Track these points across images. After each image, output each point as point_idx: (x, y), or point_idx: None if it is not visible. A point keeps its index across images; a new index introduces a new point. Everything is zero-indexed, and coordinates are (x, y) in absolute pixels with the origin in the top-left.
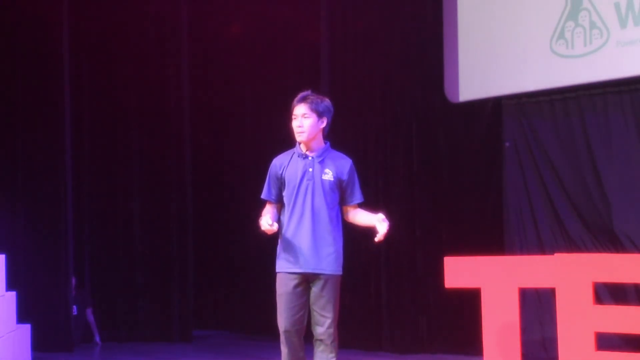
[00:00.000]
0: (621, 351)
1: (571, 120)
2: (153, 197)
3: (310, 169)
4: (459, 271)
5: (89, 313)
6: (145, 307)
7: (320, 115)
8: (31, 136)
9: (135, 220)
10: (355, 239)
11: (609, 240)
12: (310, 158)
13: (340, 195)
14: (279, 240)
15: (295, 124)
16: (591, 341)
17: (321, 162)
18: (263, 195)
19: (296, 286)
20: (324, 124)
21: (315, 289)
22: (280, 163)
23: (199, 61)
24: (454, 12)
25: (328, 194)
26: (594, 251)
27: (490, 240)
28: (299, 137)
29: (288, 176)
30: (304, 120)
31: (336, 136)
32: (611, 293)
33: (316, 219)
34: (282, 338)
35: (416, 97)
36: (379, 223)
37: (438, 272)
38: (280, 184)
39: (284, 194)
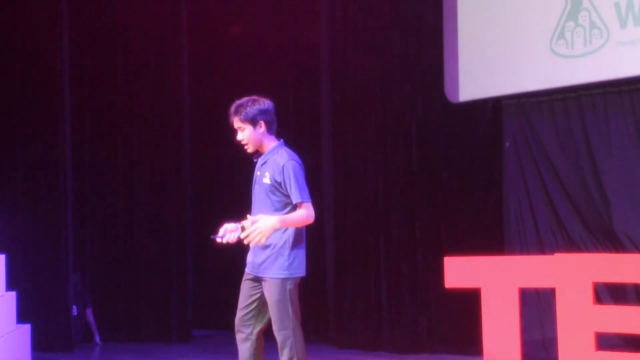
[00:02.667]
0: (621, 351)
1: (571, 120)
2: (153, 197)
3: (258, 173)
4: (459, 271)
5: (89, 313)
6: (145, 307)
7: (254, 122)
8: (31, 136)
9: (135, 220)
10: (356, 239)
11: (609, 240)
12: (258, 161)
13: (287, 197)
14: None
15: (237, 137)
16: (591, 341)
17: (264, 165)
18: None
19: (249, 284)
20: (263, 128)
21: (264, 292)
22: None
23: (199, 61)
24: (454, 12)
25: (269, 197)
26: (594, 251)
27: (490, 240)
28: (247, 150)
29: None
30: (242, 133)
31: (336, 136)
32: (611, 293)
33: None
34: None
35: (416, 97)
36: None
37: (438, 272)
38: None
39: None
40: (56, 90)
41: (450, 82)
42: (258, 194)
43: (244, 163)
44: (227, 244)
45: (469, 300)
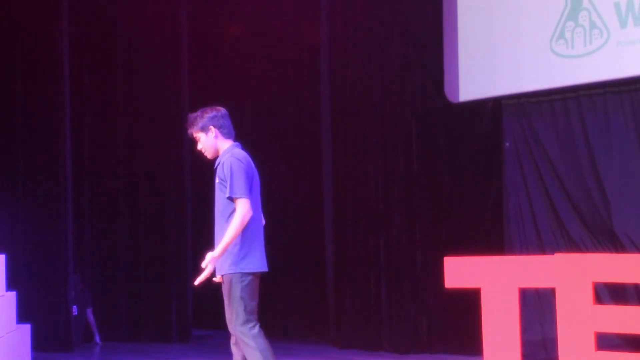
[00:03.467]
0: (621, 351)
1: (571, 120)
2: (153, 197)
3: (215, 177)
4: (459, 271)
5: (89, 313)
6: (145, 307)
7: (205, 129)
8: (31, 136)
9: (134, 220)
10: (356, 239)
11: (609, 240)
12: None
13: None
14: None
15: (197, 148)
16: (591, 341)
17: (216, 167)
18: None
19: (223, 286)
20: (214, 132)
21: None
22: None
23: (199, 61)
24: (454, 12)
25: (220, 197)
26: (594, 251)
27: (490, 240)
28: (206, 157)
29: None
30: (199, 143)
31: (336, 136)
32: (611, 293)
33: (216, 225)
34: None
35: (416, 97)
36: (209, 255)
37: (438, 272)
38: None
39: None
40: (56, 91)
41: (450, 82)
42: (214, 196)
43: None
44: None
45: (469, 300)
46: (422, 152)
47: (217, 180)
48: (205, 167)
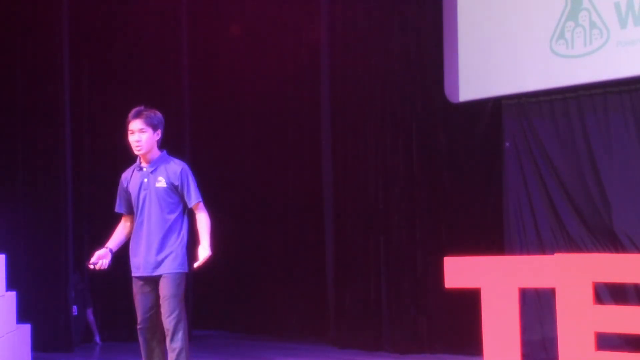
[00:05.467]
0: (621, 351)
1: (571, 120)
2: None
3: (146, 180)
4: (459, 271)
5: (89, 313)
6: None
7: (155, 128)
8: (31, 136)
9: None
10: (356, 239)
11: (609, 240)
12: (144, 169)
13: (181, 199)
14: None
15: (132, 138)
16: (591, 341)
17: (154, 172)
18: (115, 209)
19: (143, 287)
20: (159, 136)
21: (159, 289)
22: (125, 177)
23: (199, 61)
24: (454, 12)
25: (164, 200)
26: (594, 251)
27: (490, 240)
28: (137, 151)
29: (131, 189)
30: (141, 135)
31: (336, 136)
32: (611, 293)
33: (151, 227)
34: (138, 334)
35: (416, 97)
36: (202, 249)
37: (438, 272)
38: (128, 196)
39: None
40: (56, 91)
41: (450, 82)
42: (148, 199)
43: (244, 162)
44: (100, 270)
45: (469, 300)
46: (422, 152)
47: (158, 184)
48: (205, 167)
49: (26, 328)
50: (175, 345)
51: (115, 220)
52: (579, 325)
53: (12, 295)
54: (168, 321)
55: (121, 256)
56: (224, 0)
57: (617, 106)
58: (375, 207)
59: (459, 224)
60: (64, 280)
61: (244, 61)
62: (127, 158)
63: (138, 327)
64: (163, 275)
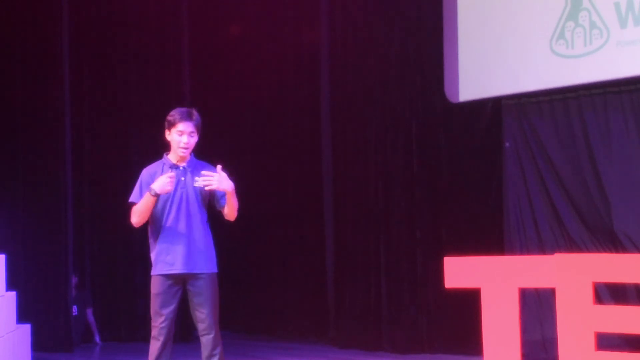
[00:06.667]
0: (621, 351)
1: (571, 120)
2: None
3: (183, 178)
4: (459, 271)
5: (89, 313)
6: (145, 307)
7: (199, 132)
8: (31, 136)
9: None
10: (356, 239)
11: (609, 240)
12: (181, 168)
13: (208, 200)
14: (155, 247)
15: (182, 139)
16: (591, 341)
17: (192, 172)
18: (133, 199)
19: (171, 286)
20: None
21: (192, 288)
22: (152, 173)
23: (199, 61)
24: (454, 12)
25: (203, 200)
26: (594, 251)
27: (490, 240)
28: (182, 153)
29: None
30: (191, 139)
31: (336, 136)
32: (611, 293)
33: (192, 224)
34: (155, 333)
35: (416, 97)
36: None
37: (438, 272)
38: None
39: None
40: (56, 90)
41: (450, 82)
42: (186, 197)
43: (244, 161)
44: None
45: (469, 300)
46: (422, 152)
47: (196, 184)
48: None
49: (26, 328)
50: (217, 343)
51: (115, 220)
52: (579, 325)
53: (12, 295)
54: (210, 317)
55: (121, 256)
56: (225, 0)
57: (617, 106)
58: (375, 207)
59: (459, 224)
60: (64, 280)
61: (244, 61)
62: (128, 158)
63: (159, 325)
64: (205, 274)
